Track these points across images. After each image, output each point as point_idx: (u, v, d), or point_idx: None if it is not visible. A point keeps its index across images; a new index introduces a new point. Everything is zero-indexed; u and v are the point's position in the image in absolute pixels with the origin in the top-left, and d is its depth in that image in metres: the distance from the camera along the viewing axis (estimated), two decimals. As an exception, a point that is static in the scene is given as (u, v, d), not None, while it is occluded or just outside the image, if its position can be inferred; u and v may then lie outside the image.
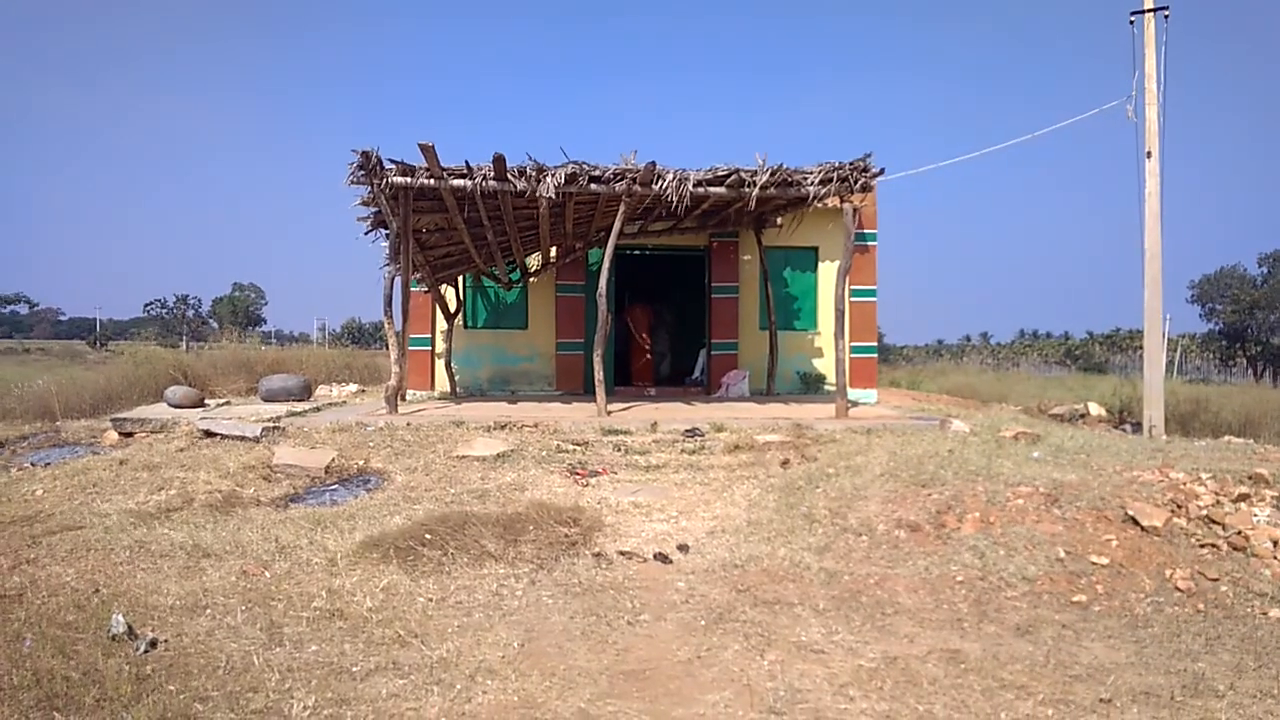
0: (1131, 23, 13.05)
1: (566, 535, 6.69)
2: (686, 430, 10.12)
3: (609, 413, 11.46)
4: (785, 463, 8.95)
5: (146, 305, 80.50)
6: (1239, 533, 6.22)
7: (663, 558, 6.42)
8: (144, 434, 10.46)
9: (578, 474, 8.64)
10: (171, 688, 4.00)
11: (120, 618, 4.65)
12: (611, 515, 7.41)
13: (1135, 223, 12.94)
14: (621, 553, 6.48)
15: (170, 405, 12.35)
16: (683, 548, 6.64)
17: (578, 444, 9.71)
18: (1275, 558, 5.97)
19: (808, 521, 7.06)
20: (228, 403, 13.87)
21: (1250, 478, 7.16)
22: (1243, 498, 6.72)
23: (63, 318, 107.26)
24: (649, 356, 18.22)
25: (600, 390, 11.62)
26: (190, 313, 79.35)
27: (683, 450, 9.58)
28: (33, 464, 9.45)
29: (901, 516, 6.93)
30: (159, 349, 21.82)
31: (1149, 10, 12.87)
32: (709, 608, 5.40)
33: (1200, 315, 51.96)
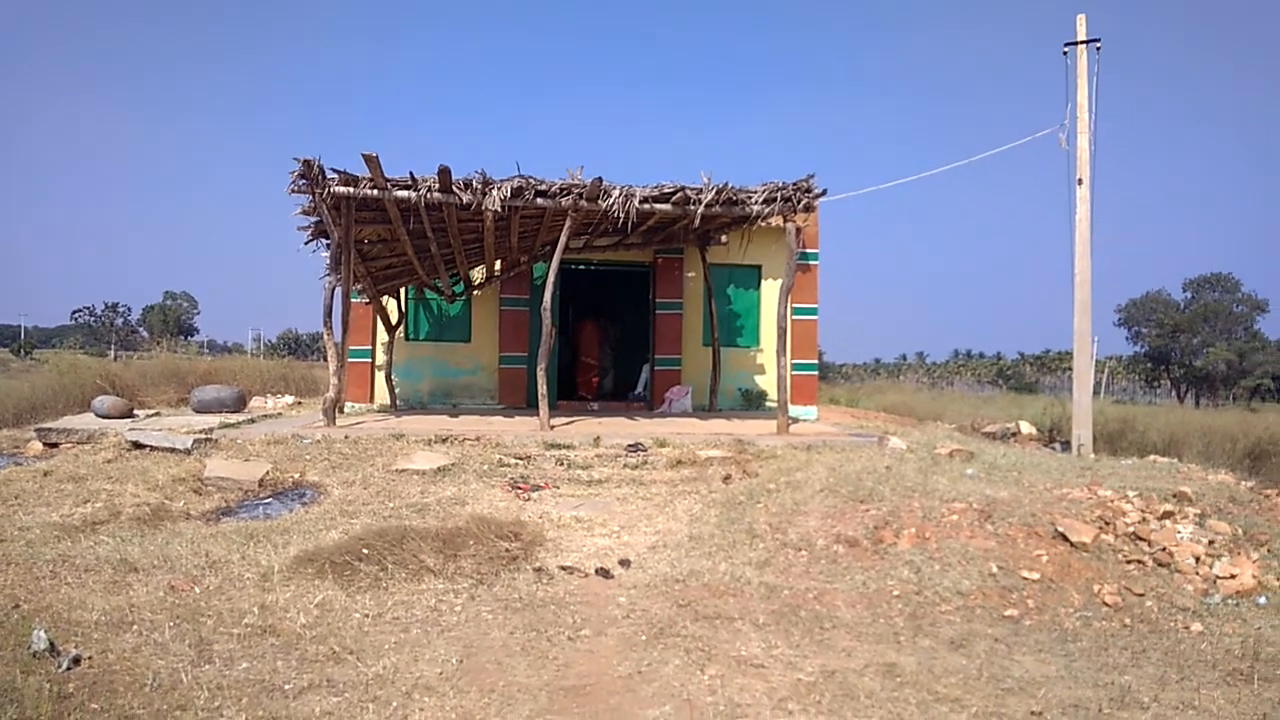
0: (1065, 54, 13.46)
1: (507, 550, 6.63)
2: (629, 445, 10.12)
3: (552, 427, 11.42)
4: (727, 478, 9.00)
5: (74, 313, 78.23)
6: (1164, 549, 6.43)
7: (604, 573, 6.40)
8: (70, 445, 10.13)
9: (519, 488, 8.58)
10: (95, 706, 3.86)
11: (41, 634, 4.48)
12: (553, 530, 7.37)
13: (1066, 247, 13.32)
14: (563, 568, 6.45)
15: (98, 415, 11.98)
16: (624, 562, 6.63)
17: (520, 458, 9.65)
18: (1197, 573, 6.18)
19: (749, 536, 7.11)
20: (158, 414, 13.50)
21: (1175, 496, 7.41)
22: (1167, 515, 6.94)
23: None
24: (593, 371, 18.23)
25: (543, 404, 11.57)
26: (119, 321, 77.19)
27: (625, 465, 9.58)
28: (-51, 475, 9.06)
29: (840, 532, 7.01)
30: (86, 357, 21.20)
31: (1082, 42, 13.30)
32: (650, 622, 5.39)
33: (1126, 338, 53.59)
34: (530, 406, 15.19)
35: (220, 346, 66.63)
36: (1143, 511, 7.04)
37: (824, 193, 11.79)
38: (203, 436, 9.83)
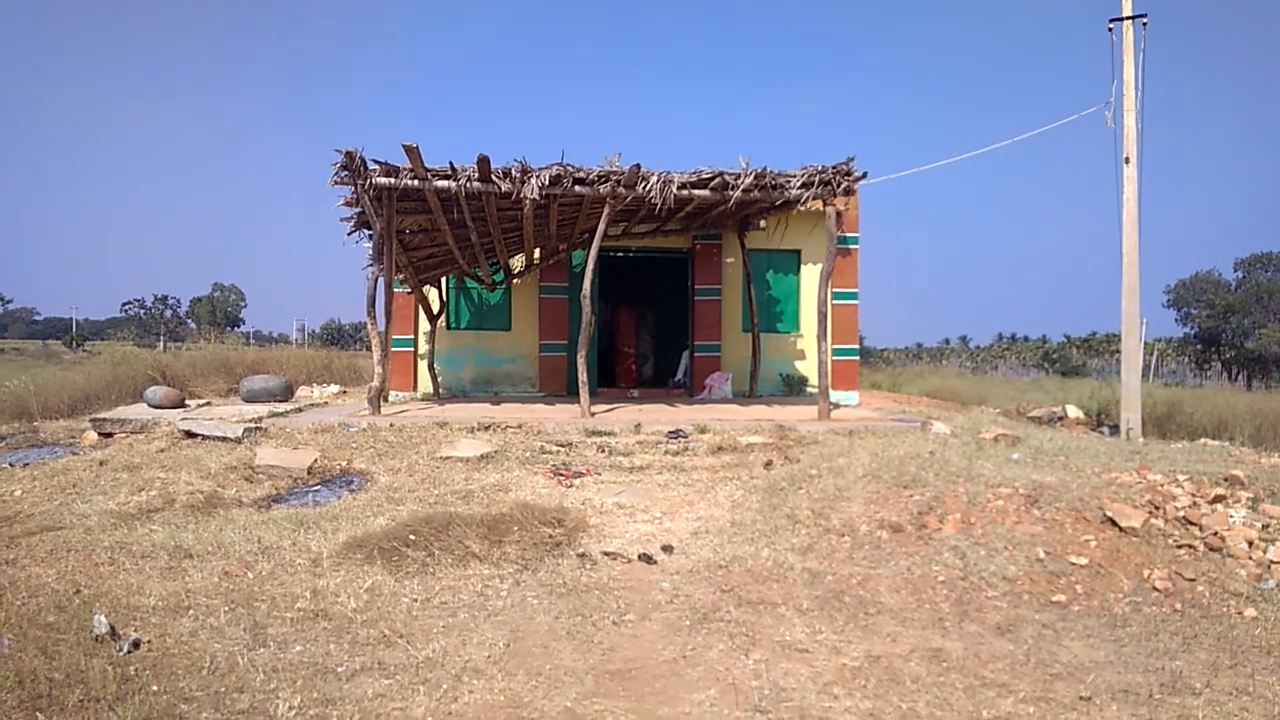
0: (1110, 30, 13.18)
1: (551, 536, 6.70)
2: (670, 432, 10.14)
3: (593, 414, 11.47)
4: (768, 464, 8.99)
5: (124, 305, 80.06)
6: (1215, 533, 6.32)
7: (647, 558, 6.44)
8: (124, 434, 10.38)
9: (562, 475, 8.65)
10: (155, 688, 3.98)
11: (102, 618, 4.62)
12: (596, 516, 7.42)
13: (1113, 227, 13.09)
14: (606, 553, 6.50)
15: (150, 406, 12.25)
16: (667, 548, 6.66)
17: (561, 445, 9.71)
18: (1250, 558, 6.07)
19: (791, 522, 7.10)
20: (208, 403, 13.77)
21: (1226, 479, 7.26)
22: (1219, 499, 6.82)
23: (38, 317, 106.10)
24: (633, 358, 18.27)
25: (584, 391, 11.63)
26: (168, 313, 78.78)
27: (666, 451, 9.61)
28: (11, 464, 9.35)
29: (884, 517, 6.98)
30: (136, 349, 21.63)
31: (1128, 18, 13.01)
32: (693, 608, 5.42)
33: (1176, 319, 52.46)
34: (571, 394, 15.29)
35: (265, 337, 67.68)
36: (1193, 496, 6.92)
37: (864, 176, 11.66)
38: (252, 425, 10.02)
